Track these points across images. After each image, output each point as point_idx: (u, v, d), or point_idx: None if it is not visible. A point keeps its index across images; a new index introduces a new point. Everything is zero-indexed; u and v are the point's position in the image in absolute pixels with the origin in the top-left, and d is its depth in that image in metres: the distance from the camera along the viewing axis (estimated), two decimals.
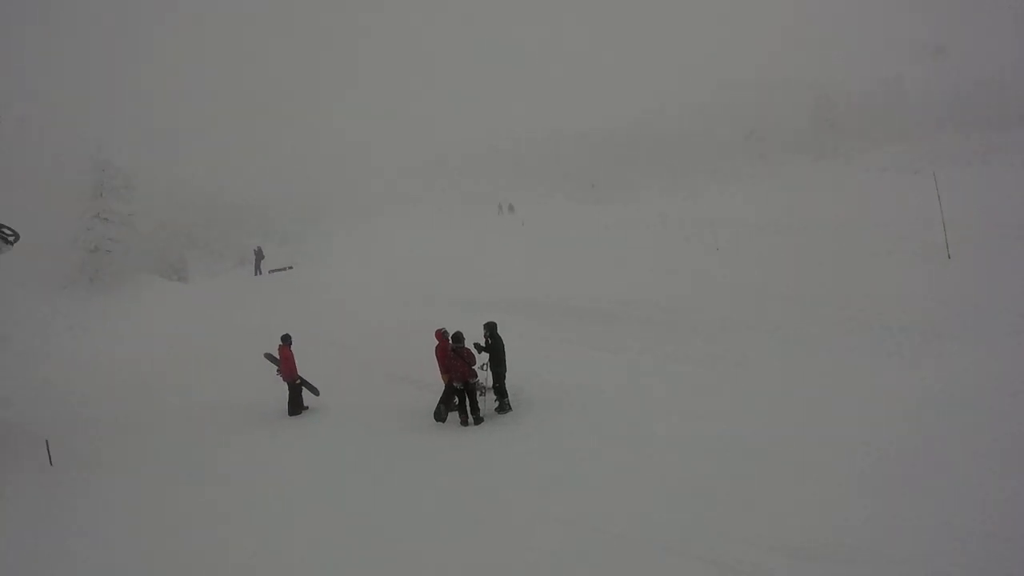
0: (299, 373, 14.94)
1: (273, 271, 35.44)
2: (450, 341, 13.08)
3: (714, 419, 10.62)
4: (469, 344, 13.15)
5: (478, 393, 13.11)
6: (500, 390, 13.14)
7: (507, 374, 13.15)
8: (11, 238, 14.79)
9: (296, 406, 14.89)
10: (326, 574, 7.84)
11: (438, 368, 13.46)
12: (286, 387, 14.93)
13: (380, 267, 29.13)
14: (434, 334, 13.70)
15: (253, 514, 9.73)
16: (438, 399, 13.14)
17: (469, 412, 12.77)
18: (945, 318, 13.05)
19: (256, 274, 36.30)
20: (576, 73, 73.66)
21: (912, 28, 69.80)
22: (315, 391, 15.16)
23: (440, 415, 12.97)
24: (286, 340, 15.22)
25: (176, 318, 25.06)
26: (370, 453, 11.85)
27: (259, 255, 37.40)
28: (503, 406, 13.07)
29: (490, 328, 13.33)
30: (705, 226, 25.22)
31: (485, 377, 13.34)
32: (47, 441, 12.76)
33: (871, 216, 23.12)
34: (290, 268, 35.48)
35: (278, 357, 15.08)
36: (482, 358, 13.25)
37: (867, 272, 17.00)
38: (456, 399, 12.94)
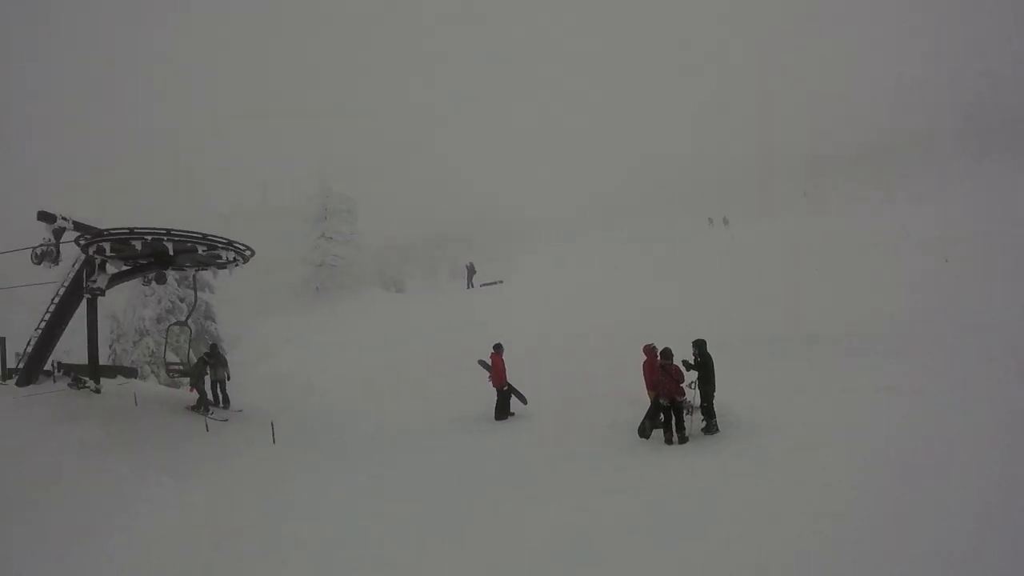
0: (508, 380, 15.21)
1: (484, 284, 36.49)
2: (659, 357, 12.48)
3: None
4: (677, 361, 12.41)
5: (685, 412, 12.31)
6: (708, 410, 12.27)
7: (715, 394, 12.27)
8: (247, 252, 16.14)
9: (503, 411, 15.16)
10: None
11: (644, 384, 12.97)
12: (495, 392, 15.21)
13: (586, 281, 28.86)
14: (642, 349, 13.22)
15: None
16: (644, 415, 12.49)
17: (675, 430, 12.00)
18: None
19: (468, 287, 37.56)
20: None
21: None
22: (523, 399, 15.36)
23: (644, 431, 12.33)
24: (498, 348, 15.62)
25: (393, 325, 26.32)
26: (572, 465, 11.39)
27: (471, 270, 38.67)
28: (710, 427, 12.17)
29: (699, 346, 12.54)
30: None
31: (693, 396, 12.53)
32: (272, 423, 14.08)
33: None
34: (500, 282, 36.40)
35: (490, 364, 15.40)
36: (690, 376, 12.48)
37: None
38: (662, 416, 12.22)
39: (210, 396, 16.45)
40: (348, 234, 34.88)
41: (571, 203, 54.28)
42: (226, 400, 16.90)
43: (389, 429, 14.88)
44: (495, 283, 36.52)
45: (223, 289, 34.02)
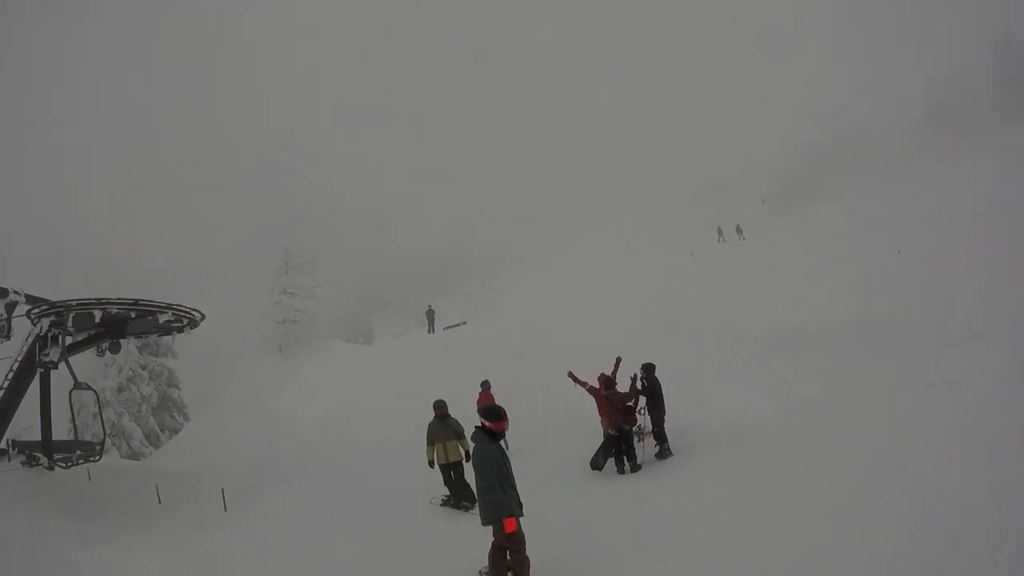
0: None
1: (448, 328, 36.26)
2: (602, 387, 12.40)
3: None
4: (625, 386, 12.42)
5: (635, 439, 12.29)
6: (659, 435, 12.26)
7: (666, 417, 12.29)
8: (195, 314, 16.06)
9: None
10: None
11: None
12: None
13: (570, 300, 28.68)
14: (597, 379, 12.98)
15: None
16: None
17: (625, 459, 11.96)
18: None
19: (430, 332, 37.32)
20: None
21: None
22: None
23: (596, 464, 12.21)
24: (485, 385, 16.09)
25: (358, 377, 26.04)
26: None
27: (431, 315, 38.39)
28: (663, 451, 12.15)
29: (647, 370, 12.54)
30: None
31: (644, 422, 12.52)
32: (223, 489, 13.69)
33: None
34: (463, 324, 36.24)
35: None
36: (640, 402, 12.48)
37: None
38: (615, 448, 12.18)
39: None
40: (310, 288, 34.37)
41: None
42: None
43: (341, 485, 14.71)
44: (458, 325, 36.35)
45: (185, 354, 33.83)
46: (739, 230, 46.84)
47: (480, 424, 7.15)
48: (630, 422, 12.15)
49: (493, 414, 7.11)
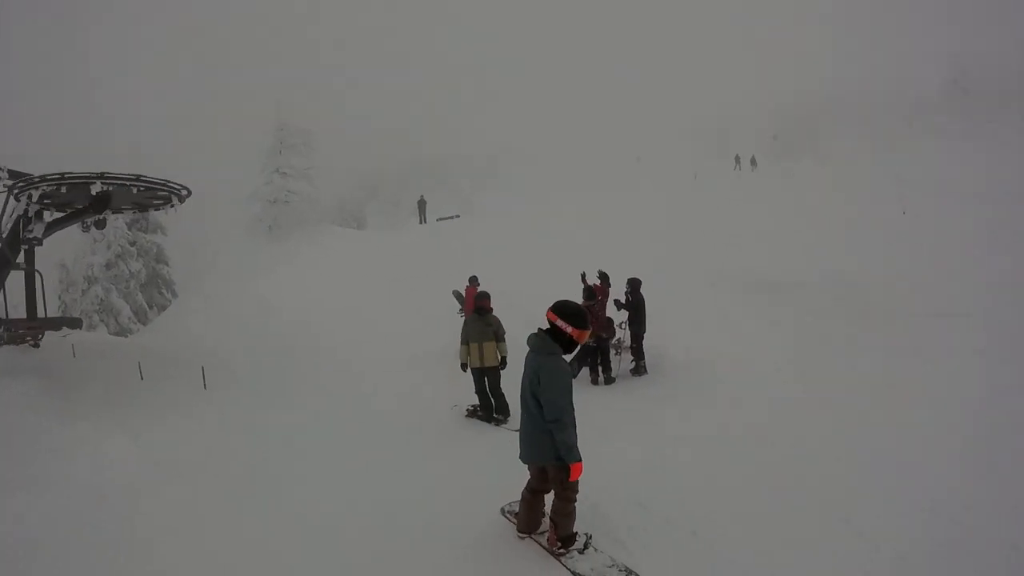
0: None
1: (441, 219, 36.13)
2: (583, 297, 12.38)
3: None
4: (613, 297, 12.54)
5: (613, 352, 12.41)
6: (637, 351, 12.37)
7: (645, 336, 12.37)
8: (183, 191, 15.78)
9: None
10: None
11: None
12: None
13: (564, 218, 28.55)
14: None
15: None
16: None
17: (600, 371, 12.10)
18: None
19: (421, 222, 37.12)
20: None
21: None
22: None
23: (572, 371, 12.37)
24: (472, 281, 15.70)
25: (350, 263, 26.05)
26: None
27: (422, 204, 38.11)
28: (638, 368, 12.31)
29: (632, 284, 12.54)
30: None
31: (623, 335, 12.62)
32: (203, 368, 14.17)
33: None
34: (456, 217, 36.12)
35: (463, 295, 15.51)
36: (621, 316, 12.55)
37: None
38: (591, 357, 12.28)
39: None
40: (303, 168, 33.72)
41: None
42: None
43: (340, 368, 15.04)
44: (452, 217, 36.21)
45: (174, 231, 33.63)
46: (753, 161, 46.28)
47: (548, 327, 5.21)
48: (609, 333, 12.24)
49: (579, 317, 5.13)
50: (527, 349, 5.28)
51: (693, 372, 11.65)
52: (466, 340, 10.23)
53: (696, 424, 8.90)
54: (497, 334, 10.19)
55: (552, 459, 5.11)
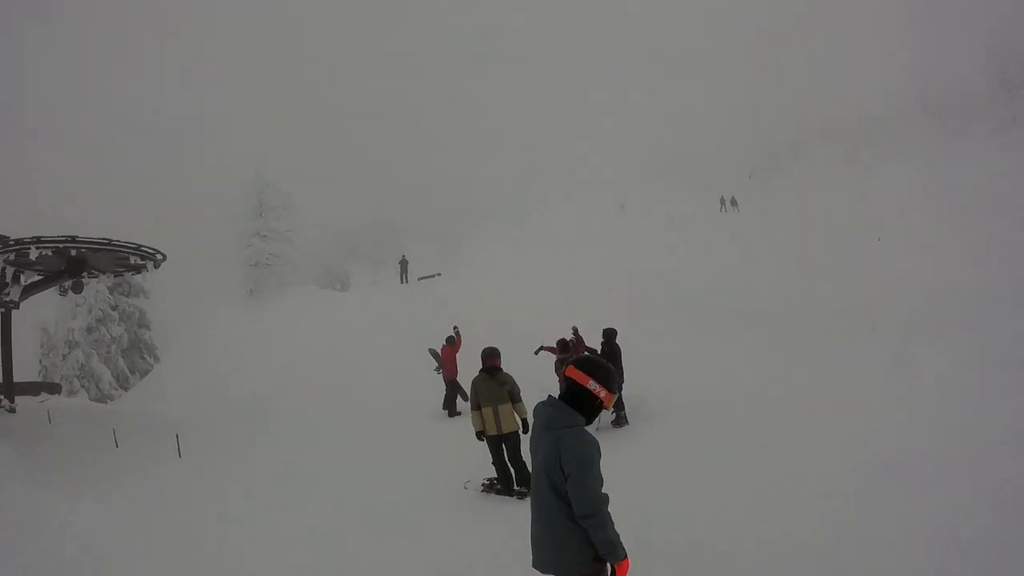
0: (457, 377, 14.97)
1: (422, 279, 36.19)
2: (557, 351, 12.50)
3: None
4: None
5: None
6: (617, 402, 12.31)
7: (625, 385, 12.35)
8: (157, 256, 15.92)
9: (451, 404, 14.96)
10: None
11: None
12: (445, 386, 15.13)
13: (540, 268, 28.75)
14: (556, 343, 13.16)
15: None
16: None
17: None
18: None
19: (402, 282, 37.24)
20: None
21: None
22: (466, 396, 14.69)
23: None
24: (450, 341, 15.48)
25: (329, 325, 26.04)
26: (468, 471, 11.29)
27: (404, 264, 38.29)
28: (619, 419, 12.24)
29: (607, 335, 12.51)
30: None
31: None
32: (177, 435, 13.84)
33: None
34: (438, 275, 36.17)
35: (440, 355, 15.31)
36: None
37: None
38: None
39: None
40: (284, 231, 33.84)
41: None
42: None
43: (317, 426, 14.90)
44: (433, 276, 36.28)
45: (156, 295, 33.66)
46: (734, 201, 47.14)
47: (565, 391, 3.96)
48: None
49: (611, 376, 3.94)
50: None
51: (676, 417, 11.70)
52: (477, 405, 8.92)
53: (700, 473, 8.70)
54: (512, 394, 8.91)
55: (586, 563, 3.76)
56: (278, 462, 12.39)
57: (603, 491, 3.71)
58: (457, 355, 15.14)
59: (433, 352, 15.89)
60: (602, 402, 3.88)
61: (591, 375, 3.89)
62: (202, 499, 10.87)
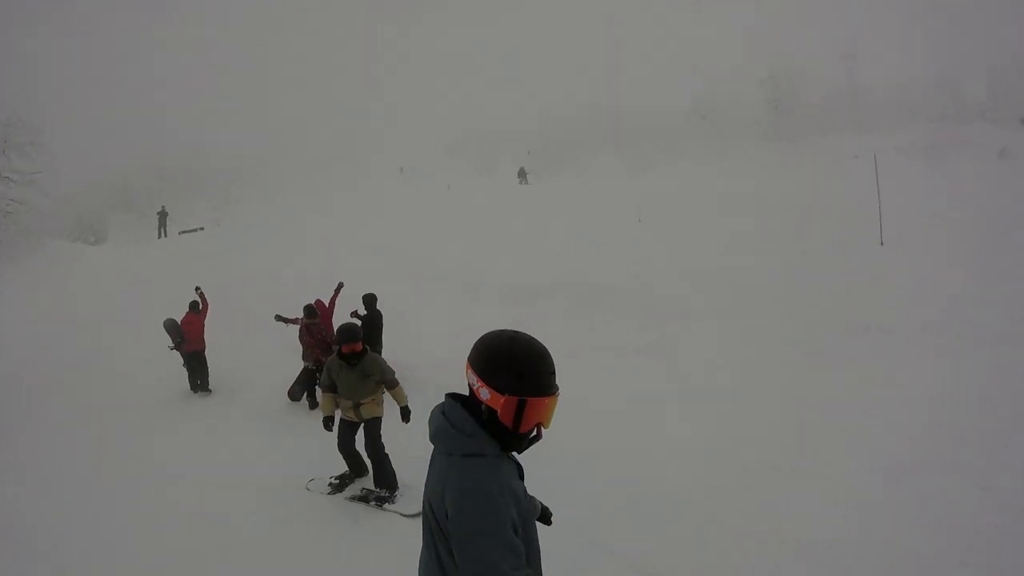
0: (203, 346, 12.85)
1: (183, 232, 33.48)
2: (303, 316, 11.54)
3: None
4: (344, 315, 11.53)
5: None
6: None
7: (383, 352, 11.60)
8: None
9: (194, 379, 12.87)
10: None
11: None
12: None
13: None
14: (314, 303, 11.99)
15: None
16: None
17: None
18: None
19: (160, 236, 34.31)
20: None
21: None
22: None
23: (293, 395, 11.36)
24: (194, 306, 13.14)
25: (81, 280, 23.44)
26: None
27: (163, 216, 35.29)
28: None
29: (368, 300, 11.76)
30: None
31: None
32: None
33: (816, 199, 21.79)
34: (201, 229, 33.78)
35: (179, 325, 12.71)
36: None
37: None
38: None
39: None
40: (30, 173, 29.31)
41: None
42: None
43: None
44: (195, 230, 33.84)
45: None
46: (523, 173, 47.59)
47: (467, 393, 2.52)
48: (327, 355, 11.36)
49: (539, 373, 2.41)
50: None
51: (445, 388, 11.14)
52: (332, 388, 7.25)
53: None
54: (387, 382, 7.22)
55: None
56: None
57: (509, 553, 2.22)
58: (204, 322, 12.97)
59: (169, 325, 12.71)
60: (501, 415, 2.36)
61: (472, 364, 2.46)
62: None
